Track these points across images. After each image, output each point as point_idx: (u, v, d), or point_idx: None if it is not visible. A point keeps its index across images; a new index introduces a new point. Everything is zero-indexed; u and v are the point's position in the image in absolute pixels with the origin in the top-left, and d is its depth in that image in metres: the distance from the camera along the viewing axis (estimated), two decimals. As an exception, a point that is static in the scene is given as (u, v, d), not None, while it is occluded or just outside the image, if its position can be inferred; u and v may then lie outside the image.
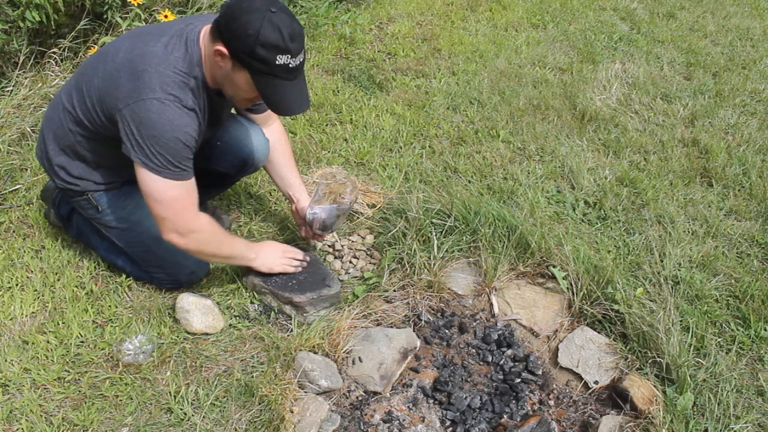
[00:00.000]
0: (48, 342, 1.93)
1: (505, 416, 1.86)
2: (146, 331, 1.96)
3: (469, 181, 2.78)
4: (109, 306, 2.06)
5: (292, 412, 1.74)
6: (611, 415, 1.84)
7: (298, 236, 2.32)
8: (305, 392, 1.82)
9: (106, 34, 3.04)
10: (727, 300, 2.24)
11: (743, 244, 2.53)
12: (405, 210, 2.38)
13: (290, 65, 1.65)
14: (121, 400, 1.79)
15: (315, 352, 1.91)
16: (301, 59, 1.68)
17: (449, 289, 2.22)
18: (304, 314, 2.06)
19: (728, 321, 2.15)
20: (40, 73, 2.95)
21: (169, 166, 1.70)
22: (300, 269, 2.12)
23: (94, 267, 2.19)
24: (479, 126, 3.23)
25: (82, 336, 1.96)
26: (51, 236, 2.29)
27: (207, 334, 1.98)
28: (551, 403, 1.92)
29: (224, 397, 1.80)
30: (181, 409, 1.76)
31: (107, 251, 2.15)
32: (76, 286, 2.12)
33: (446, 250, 2.26)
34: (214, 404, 1.78)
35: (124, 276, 2.14)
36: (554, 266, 2.22)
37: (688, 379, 1.85)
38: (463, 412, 1.84)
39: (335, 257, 2.34)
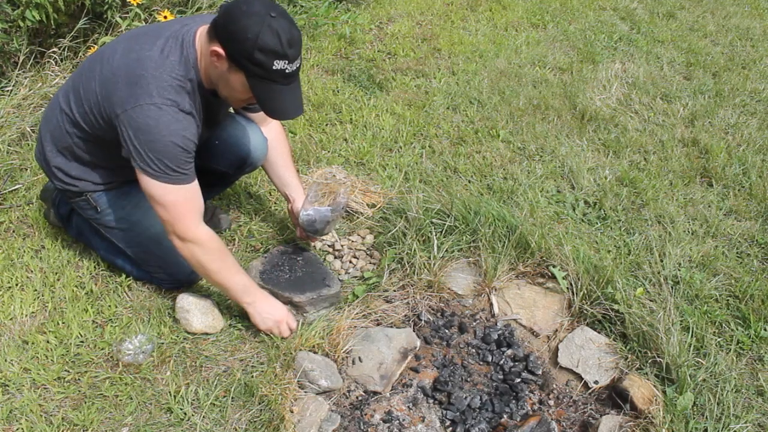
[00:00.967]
0: (48, 342, 1.93)
1: (505, 416, 1.86)
2: (146, 331, 1.96)
3: (469, 181, 2.78)
4: (109, 306, 2.06)
5: (292, 411, 1.74)
6: (611, 415, 1.84)
7: (296, 236, 2.32)
8: (305, 392, 1.82)
9: (106, 34, 3.03)
10: (727, 300, 2.24)
11: (743, 244, 2.53)
12: (405, 210, 2.38)
13: (287, 71, 1.65)
14: (121, 400, 1.78)
15: (315, 352, 1.91)
16: (298, 65, 1.69)
17: (449, 289, 2.22)
18: (304, 314, 2.06)
19: (728, 321, 2.15)
20: (39, 72, 2.95)
21: (167, 170, 1.70)
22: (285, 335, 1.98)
23: (94, 267, 2.19)
24: (479, 126, 3.23)
25: (82, 336, 1.96)
26: (51, 236, 2.29)
27: (207, 333, 1.98)
28: (551, 402, 1.92)
29: (224, 397, 1.80)
30: (181, 409, 1.76)
31: (107, 251, 2.15)
32: (76, 286, 2.11)
33: (446, 250, 2.26)
34: (214, 404, 1.78)
35: (124, 276, 2.14)
36: (554, 266, 2.22)
37: (688, 379, 1.85)
38: (463, 412, 1.84)
39: (335, 257, 2.34)
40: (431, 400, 1.89)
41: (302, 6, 3.93)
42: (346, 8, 4.24)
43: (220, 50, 1.64)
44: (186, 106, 1.70)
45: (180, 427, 1.72)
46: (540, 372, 1.99)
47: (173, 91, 1.68)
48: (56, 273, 2.16)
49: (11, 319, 1.99)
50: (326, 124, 3.14)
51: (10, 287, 2.09)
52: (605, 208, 2.67)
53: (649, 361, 1.93)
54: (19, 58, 2.91)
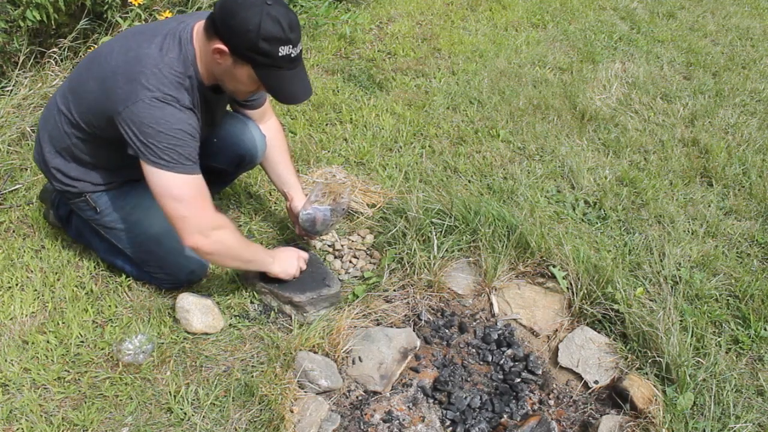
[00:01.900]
0: (48, 342, 1.93)
1: (505, 416, 1.86)
2: (146, 331, 1.96)
3: (469, 181, 2.78)
4: (109, 306, 2.06)
5: (292, 411, 1.74)
6: (611, 414, 1.84)
7: (295, 235, 2.32)
8: (305, 392, 1.82)
9: (106, 34, 3.03)
10: (727, 300, 2.24)
11: (743, 244, 2.53)
12: (405, 210, 2.38)
13: (292, 55, 1.66)
14: (121, 400, 1.79)
15: (315, 352, 1.91)
16: (300, 47, 1.70)
17: (449, 288, 2.22)
18: (304, 314, 2.06)
19: (728, 321, 2.15)
20: (40, 72, 2.95)
21: (181, 159, 1.68)
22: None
23: (94, 267, 2.19)
24: (479, 126, 3.23)
25: (82, 336, 1.96)
26: (51, 236, 2.29)
27: (207, 333, 1.98)
28: (551, 402, 1.92)
29: (224, 396, 1.80)
30: (181, 409, 1.76)
31: (107, 252, 2.15)
32: (76, 286, 2.12)
33: (446, 250, 2.26)
34: (214, 404, 1.78)
35: (124, 276, 2.14)
36: (554, 266, 2.22)
37: (688, 378, 1.85)
38: (463, 412, 1.84)
39: (335, 257, 2.34)
40: (431, 400, 1.89)
41: (302, 6, 3.93)
42: (346, 8, 4.24)
43: (223, 47, 1.64)
44: (186, 102, 1.70)
45: (180, 427, 1.72)
46: (540, 372, 1.99)
47: (173, 88, 1.68)
48: (56, 273, 2.16)
49: (11, 319, 1.99)
50: (326, 124, 3.14)
51: (10, 287, 2.09)
52: (605, 207, 2.67)
53: (649, 360, 1.93)
54: (19, 58, 2.91)
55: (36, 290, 2.09)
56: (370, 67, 3.71)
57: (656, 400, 1.81)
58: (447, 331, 2.10)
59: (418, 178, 2.75)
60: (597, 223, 2.59)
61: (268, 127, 2.21)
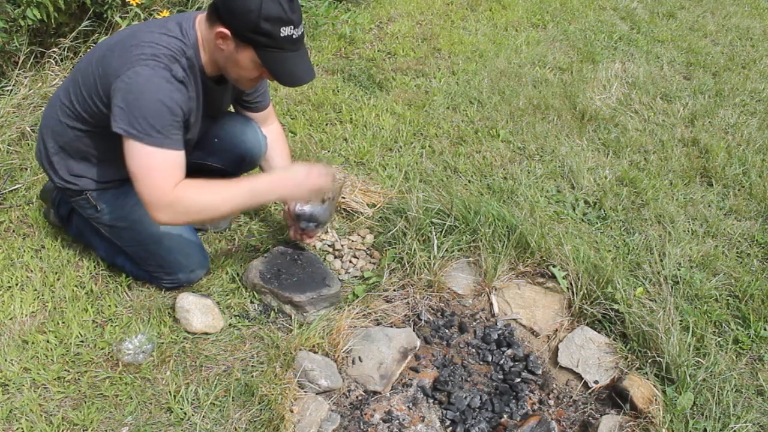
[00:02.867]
0: (48, 341, 1.93)
1: (504, 416, 1.86)
2: (146, 331, 1.96)
3: (469, 181, 2.78)
4: (109, 305, 2.06)
5: (291, 411, 1.74)
6: (611, 414, 1.84)
7: (290, 236, 2.30)
8: (305, 392, 1.82)
9: (106, 34, 3.04)
10: (727, 300, 2.24)
11: (743, 244, 2.53)
12: (405, 210, 2.38)
13: (294, 36, 1.66)
14: (120, 400, 1.78)
15: (315, 352, 1.91)
16: (302, 29, 1.70)
17: (449, 288, 2.22)
18: (304, 314, 2.06)
19: (728, 321, 2.15)
20: (39, 72, 2.95)
21: (150, 131, 1.62)
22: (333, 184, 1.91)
23: (94, 266, 2.19)
24: (479, 126, 3.23)
25: (81, 335, 1.96)
26: (51, 236, 2.29)
27: (207, 333, 1.98)
28: (551, 402, 1.92)
29: (224, 396, 1.80)
30: (181, 409, 1.76)
31: (107, 251, 2.15)
32: (76, 286, 2.11)
33: (446, 250, 2.26)
34: (213, 404, 1.78)
35: (124, 275, 2.14)
36: (554, 266, 2.22)
37: (688, 378, 1.85)
38: (462, 412, 1.84)
39: (335, 257, 2.34)
40: (431, 400, 1.89)
41: (302, 5, 3.93)
42: (346, 8, 4.24)
43: (225, 30, 1.64)
44: (179, 74, 1.68)
45: (180, 426, 1.72)
46: (540, 372, 1.99)
47: (167, 59, 1.67)
48: (56, 273, 2.15)
49: (11, 318, 1.99)
50: (326, 124, 3.14)
51: (10, 287, 2.09)
52: (605, 207, 2.67)
53: (649, 360, 1.93)
54: (19, 58, 2.91)
55: (36, 290, 2.09)
56: (370, 67, 3.71)
57: (656, 400, 1.81)
58: (447, 331, 2.10)
59: (418, 178, 2.75)
60: (597, 223, 2.59)
61: (270, 131, 2.22)
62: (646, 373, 1.91)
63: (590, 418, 1.86)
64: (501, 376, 1.98)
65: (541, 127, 3.24)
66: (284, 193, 1.86)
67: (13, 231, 2.33)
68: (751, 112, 3.54)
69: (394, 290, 2.19)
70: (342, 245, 2.36)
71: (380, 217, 2.48)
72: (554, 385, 1.97)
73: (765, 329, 2.11)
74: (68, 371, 1.85)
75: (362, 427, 1.79)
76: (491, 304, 2.20)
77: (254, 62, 1.70)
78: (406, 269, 2.22)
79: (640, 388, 1.84)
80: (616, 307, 2.06)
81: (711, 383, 1.88)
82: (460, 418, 1.83)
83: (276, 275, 2.10)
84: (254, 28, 1.61)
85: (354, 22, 3.97)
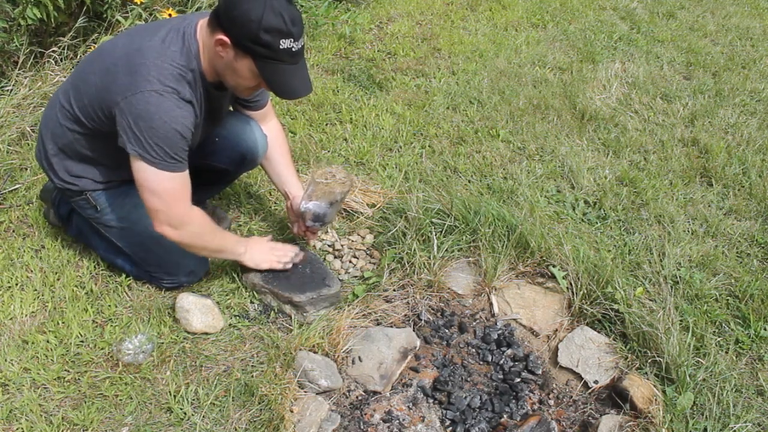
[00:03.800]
0: (48, 342, 1.93)
1: (504, 416, 1.86)
2: (146, 331, 1.96)
3: (469, 181, 2.78)
4: (109, 306, 2.06)
5: (291, 411, 1.74)
6: (611, 414, 1.84)
7: (293, 233, 2.32)
8: (305, 392, 1.82)
9: (106, 34, 3.03)
10: (727, 299, 2.24)
11: (743, 244, 2.53)
12: (405, 209, 2.38)
13: (293, 49, 1.66)
14: (120, 400, 1.79)
15: (315, 352, 1.91)
16: (302, 43, 1.70)
17: (449, 288, 2.22)
18: (304, 314, 2.06)
19: (728, 320, 2.15)
20: (39, 72, 2.95)
21: (165, 157, 1.70)
22: (288, 267, 2.10)
23: (94, 266, 2.19)
24: (479, 125, 3.23)
25: (81, 336, 1.96)
26: (51, 236, 2.29)
27: (207, 333, 1.98)
28: (551, 402, 1.92)
29: (224, 396, 1.80)
30: (181, 409, 1.76)
31: (107, 251, 2.15)
32: (76, 286, 2.11)
33: (446, 250, 2.26)
34: (213, 404, 1.78)
35: (123, 276, 2.14)
36: (554, 266, 2.22)
37: (688, 378, 1.85)
38: (462, 412, 1.84)
39: (335, 257, 2.34)
40: (431, 400, 1.89)
41: (302, 6, 3.93)
42: (346, 8, 4.24)
43: (225, 38, 1.64)
44: (186, 95, 1.70)
45: (180, 426, 1.72)
46: (540, 372, 1.99)
47: (174, 80, 1.68)
48: (56, 273, 2.15)
49: (11, 318, 1.99)
50: (326, 124, 3.14)
51: (10, 287, 2.09)
52: (605, 207, 2.67)
53: (649, 360, 1.93)
54: (19, 58, 2.91)
55: (36, 290, 2.09)
56: (370, 67, 3.71)
57: (656, 400, 1.81)
58: (447, 331, 2.10)
59: (418, 178, 2.75)
60: (597, 223, 2.59)
61: (269, 128, 2.21)
62: (646, 373, 1.91)
63: (590, 418, 1.86)
64: (501, 376, 1.98)
65: (541, 127, 3.24)
66: (245, 264, 2.07)
67: (13, 231, 2.33)
68: (751, 112, 3.54)
69: (394, 290, 2.19)
70: (342, 245, 2.36)
71: (380, 217, 2.48)
72: (554, 385, 1.97)
73: (765, 329, 2.11)
74: (68, 371, 1.85)
75: (362, 427, 1.79)
76: (491, 304, 2.20)
77: (252, 72, 1.70)
78: (406, 269, 2.22)
79: (640, 388, 1.85)
80: (616, 307, 2.06)
81: (711, 383, 1.88)
82: (460, 418, 1.83)
83: (276, 275, 2.10)
84: (254, 38, 1.61)
85: (354, 22, 3.97)
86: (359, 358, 1.93)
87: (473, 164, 2.91)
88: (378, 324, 2.08)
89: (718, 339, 2.06)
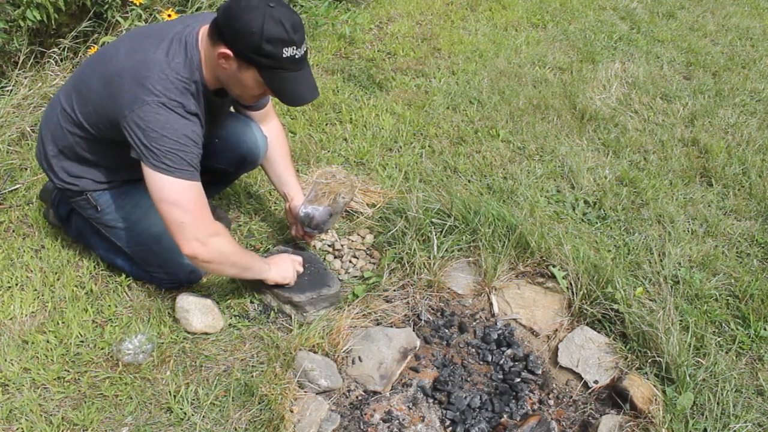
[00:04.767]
0: (48, 342, 1.93)
1: (504, 416, 1.86)
2: (146, 331, 1.96)
3: (469, 181, 2.78)
4: (109, 306, 2.06)
5: (291, 411, 1.74)
6: (611, 414, 1.84)
7: (292, 235, 2.32)
8: (305, 392, 1.82)
9: (106, 34, 3.03)
10: (727, 299, 2.24)
11: (743, 244, 2.53)
12: (405, 209, 2.38)
13: (296, 56, 1.66)
14: (120, 400, 1.79)
15: (315, 352, 1.91)
16: (305, 49, 1.70)
17: (449, 288, 2.22)
18: (304, 314, 2.06)
19: (728, 320, 2.15)
20: (39, 72, 2.95)
21: (183, 165, 1.68)
22: (301, 271, 2.11)
23: (94, 266, 2.19)
24: (479, 125, 3.23)
25: (81, 336, 1.96)
26: (51, 236, 2.29)
27: (207, 333, 1.98)
28: (551, 402, 1.92)
29: (224, 396, 1.80)
30: (181, 409, 1.76)
31: (107, 251, 2.15)
32: (76, 286, 2.12)
33: (446, 250, 2.26)
34: (213, 404, 1.78)
35: (123, 276, 2.14)
36: (554, 266, 2.22)
37: (688, 378, 1.85)
38: (462, 412, 1.84)
39: (335, 257, 2.34)
40: (431, 400, 1.89)
41: (302, 6, 3.93)
42: (346, 8, 4.24)
43: (228, 51, 1.64)
44: (191, 108, 1.71)
45: (180, 426, 1.72)
46: (540, 372, 1.99)
47: (179, 93, 1.68)
48: (56, 273, 2.16)
49: (11, 318, 1.99)
50: (326, 124, 3.14)
51: (10, 287, 2.09)
52: (605, 207, 2.67)
53: (649, 360, 1.93)
54: (19, 58, 2.91)
55: (36, 290, 2.09)
56: (370, 67, 3.71)
57: (656, 400, 1.81)
58: (447, 330, 2.10)
59: (418, 178, 2.75)
60: (597, 223, 2.59)
61: (269, 129, 2.21)
62: (646, 373, 1.91)
63: (590, 418, 1.86)
64: (501, 376, 1.98)
65: (541, 127, 3.25)
66: (272, 279, 2.01)
67: (13, 231, 2.33)
68: (751, 112, 3.54)
69: (394, 290, 2.19)
70: (342, 245, 2.36)
71: (380, 217, 2.48)
72: (554, 385, 1.97)
73: (765, 329, 2.11)
74: (68, 371, 1.85)
75: (362, 427, 1.79)
76: (491, 304, 2.20)
77: (257, 82, 1.70)
78: (406, 269, 2.22)
79: (640, 388, 1.85)
80: (616, 307, 2.06)
81: (711, 383, 1.88)
82: (460, 418, 1.83)
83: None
84: (256, 49, 1.61)
85: (354, 22, 3.97)
86: (359, 358, 1.93)
87: (473, 164, 2.91)
88: (378, 324, 2.08)
89: (718, 339, 2.06)
